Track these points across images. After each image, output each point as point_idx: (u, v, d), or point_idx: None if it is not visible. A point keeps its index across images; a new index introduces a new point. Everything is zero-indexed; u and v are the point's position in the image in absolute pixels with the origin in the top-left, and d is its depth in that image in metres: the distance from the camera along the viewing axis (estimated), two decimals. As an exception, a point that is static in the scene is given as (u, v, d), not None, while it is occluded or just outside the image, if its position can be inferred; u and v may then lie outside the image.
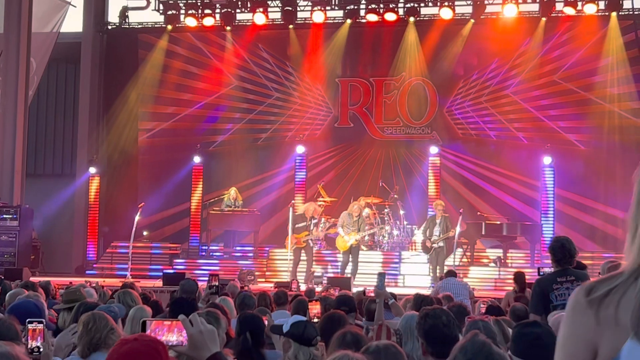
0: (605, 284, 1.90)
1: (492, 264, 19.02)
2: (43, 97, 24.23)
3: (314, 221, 18.06)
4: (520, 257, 19.33)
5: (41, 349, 4.74)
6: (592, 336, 1.87)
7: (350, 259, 17.38)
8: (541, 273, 8.48)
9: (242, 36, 23.17)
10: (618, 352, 1.81)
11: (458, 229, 18.17)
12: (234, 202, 20.30)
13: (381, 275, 8.16)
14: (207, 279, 10.09)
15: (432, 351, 4.56)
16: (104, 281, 15.28)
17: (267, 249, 20.47)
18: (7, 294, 8.42)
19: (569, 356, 1.92)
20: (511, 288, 11.79)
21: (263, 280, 18.94)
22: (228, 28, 23.15)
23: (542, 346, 3.95)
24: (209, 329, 3.02)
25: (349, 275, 17.05)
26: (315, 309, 7.39)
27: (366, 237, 18.17)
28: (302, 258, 18.11)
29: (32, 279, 13.21)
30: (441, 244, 17.27)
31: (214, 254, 21.25)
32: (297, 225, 17.99)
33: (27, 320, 4.86)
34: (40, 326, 4.78)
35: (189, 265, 20.18)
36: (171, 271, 18.74)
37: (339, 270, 17.92)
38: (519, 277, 11.40)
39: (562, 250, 7.29)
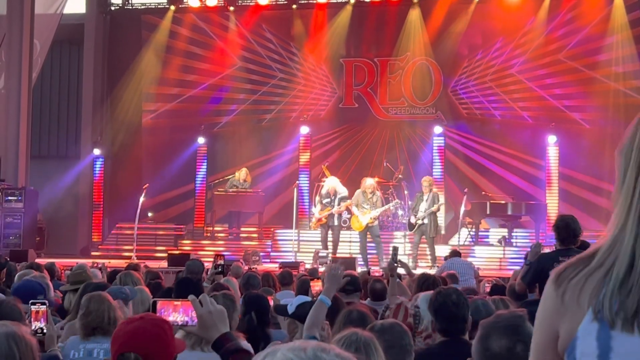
0: (572, 267, 1.89)
1: (497, 244, 19.02)
2: (47, 79, 24.22)
3: (339, 195, 17.38)
4: (526, 236, 19.30)
5: (45, 330, 4.75)
6: (555, 319, 1.88)
7: (372, 241, 17.00)
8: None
9: (246, 17, 23.10)
10: (575, 333, 1.82)
11: (463, 209, 18.17)
12: (242, 182, 20.23)
13: (395, 249, 8.18)
14: (210, 259, 10.11)
15: (439, 328, 4.67)
16: (109, 262, 15.32)
17: (271, 229, 20.51)
18: (16, 275, 8.46)
19: (537, 338, 1.95)
20: (517, 267, 11.77)
21: (268, 260, 18.96)
22: (231, 8, 23.09)
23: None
24: (218, 310, 3.03)
25: (355, 257, 16.94)
26: (317, 286, 7.39)
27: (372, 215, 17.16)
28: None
29: (37, 260, 13.25)
30: (426, 220, 16.87)
31: (219, 234, 21.28)
32: (324, 201, 17.57)
33: (30, 301, 4.86)
34: (44, 307, 4.79)
35: (194, 247, 20.20)
36: (176, 252, 18.77)
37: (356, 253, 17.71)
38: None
39: (566, 230, 7.27)
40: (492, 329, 3.04)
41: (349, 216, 18.17)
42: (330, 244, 17.70)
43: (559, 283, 1.89)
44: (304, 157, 21.66)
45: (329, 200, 17.45)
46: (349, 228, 18.40)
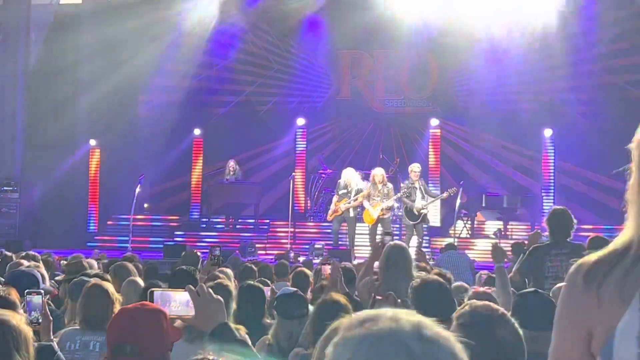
0: (603, 263, 1.87)
1: (493, 236, 19.03)
2: (43, 68, 24.11)
3: (356, 187, 16.73)
4: (521, 229, 19.33)
5: (40, 320, 4.74)
6: (588, 317, 1.86)
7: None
8: (543, 237, 8.44)
9: (243, 7, 23.02)
10: (613, 331, 1.80)
11: (458, 201, 18.17)
12: (235, 172, 20.21)
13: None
14: (206, 250, 10.09)
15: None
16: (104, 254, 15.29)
17: (267, 221, 20.51)
18: (8, 265, 8.44)
19: (562, 336, 1.92)
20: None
21: (264, 252, 18.95)
22: (228, -1, 23.05)
23: (542, 315, 3.96)
24: (215, 300, 3.02)
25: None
26: (328, 269, 7.29)
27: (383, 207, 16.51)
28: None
29: (32, 251, 13.24)
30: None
31: (215, 226, 21.27)
32: (340, 192, 17.00)
33: (26, 291, 4.85)
34: (39, 297, 4.77)
35: (190, 238, 20.19)
36: (172, 243, 18.76)
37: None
38: (516, 248, 11.32)
39: (559, 224, 7.29)
40: (491, 321, 2.99)
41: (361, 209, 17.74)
42: (341, 237, 17.30)
43: (591, 280, 1.86)
44: (300, 149, 21.65)
45: (345, 191, 16.87)
46: (361, 221, 18.05)
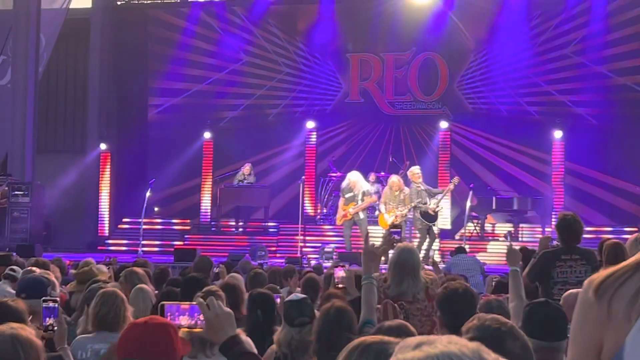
0: (615, 277, 1.88)
1: (503, 238, 18.98)
2: (53, 74, 24.21)
3: (362, 190, 16.67)
4: (532, 231, 19.28)
5: (55, 327, 4.77)
6: (599, 331, 1.87)
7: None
8: (553, 242, 8.45)
9: (252, 11, 23.08)
10: (621, 345, 1.81)
11: (468, 204, 18.14)
12: (247, 176, 20.22)
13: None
14: (217, 253, 10.12)
15: (445, 323, 4.58)
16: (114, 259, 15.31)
17: (277, 224, 20.53)
18: (20, 273, 8.45)
19: (577, 351, 1.93)
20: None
21: (274, 254, 18.95)
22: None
23: (552, 326, 3.95)
24: (225, 312, 3.02)
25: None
26: (340, 273, 7.26)
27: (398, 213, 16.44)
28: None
29: (44, 255, 13.28)
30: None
31: (225, 229, 21.29)
32: (346, 196, 16.86)
33: (42, 298, 4.88)
34: (55, 304, 4.81)
35: (200, 241, 20.20)
36: (182, 246, 18.78)
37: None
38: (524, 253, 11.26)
39: (568, 230, 7.34)
40: (500, 335, 2.98)
41: (377, 213, 17.66)
42: (353, 242, 17.12)
43: (601, 294, 1.87)
44: (310, 152, 21.67)
45: (351, 195, 16.75)
46: (375, 223, 17.79)
